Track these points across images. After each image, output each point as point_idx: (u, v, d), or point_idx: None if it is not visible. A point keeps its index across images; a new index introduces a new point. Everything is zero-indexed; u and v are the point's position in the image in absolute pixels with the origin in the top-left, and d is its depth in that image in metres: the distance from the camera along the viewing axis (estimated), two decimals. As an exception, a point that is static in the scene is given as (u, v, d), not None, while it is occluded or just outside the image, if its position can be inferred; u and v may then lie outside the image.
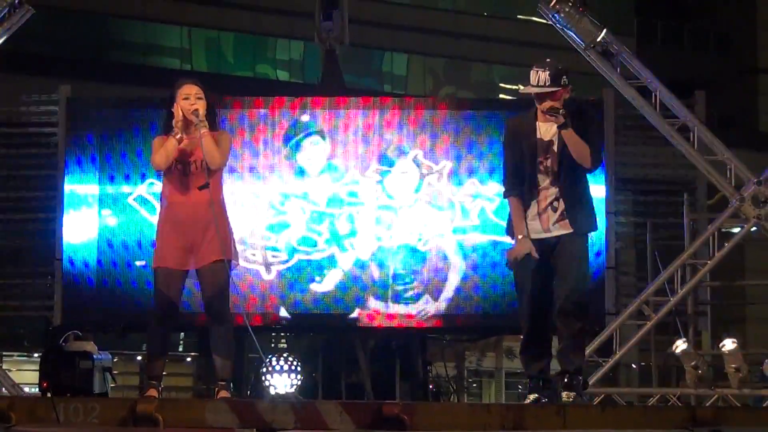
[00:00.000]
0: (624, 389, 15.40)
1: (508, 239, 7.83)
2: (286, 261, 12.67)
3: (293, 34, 28.64)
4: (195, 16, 29.62)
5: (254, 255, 12.62)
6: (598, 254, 12.36)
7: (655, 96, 12.80)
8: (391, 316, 12.65)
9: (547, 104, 7.42)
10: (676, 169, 13.40)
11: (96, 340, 10.35)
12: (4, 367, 17.22)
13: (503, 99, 28.88)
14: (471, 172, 12.72)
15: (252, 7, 29.64)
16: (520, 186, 7.52)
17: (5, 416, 6.38)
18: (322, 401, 9.26)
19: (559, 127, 7.40)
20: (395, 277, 12.65)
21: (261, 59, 31.17)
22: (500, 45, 32.02)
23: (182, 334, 24.10)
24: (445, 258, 12.67)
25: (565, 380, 7.40)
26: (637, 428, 6.71)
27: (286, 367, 11.61)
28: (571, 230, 7.45)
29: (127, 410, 6.50)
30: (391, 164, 12.77)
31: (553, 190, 7.47)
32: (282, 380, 11.53)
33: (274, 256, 12.65)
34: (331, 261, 12.67)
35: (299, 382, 11.65)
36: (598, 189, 11.26)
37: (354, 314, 12.65)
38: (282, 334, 15.62)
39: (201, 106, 7.54)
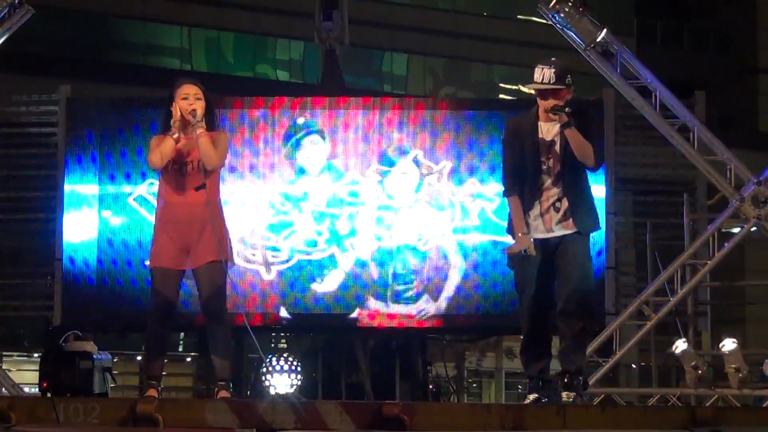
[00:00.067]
0: (624, 389, 15.40)
1: (509, 239, 7.83)
2: (286, 261, 12.67)
3: (293, 34, 28.63)
4: (195, 16, 29.61)
5: (254, 255, 12.63)
6: (598, 254, 12.35)
7: (655, 96, 12.80)
8: (391, 316, 12.65)
9: (551, 102, 7.41)
10: (676, 169, 13.40)
11: (96, 340, 10.35)
12: (4, 367, 17.23)
13: (503, 99, 28.93)
14: (471, 172, 12.72)
15: (252, 7, 29.63)
16: (519, 185, 7.51)
17: (5, 416, 6.38)
18: (322, 401, 9.26)
19: (563, 126, 7.39)
20: (395, 277, 12.65)
21: (261, 59, 31.17)
22: (500, 45, 32.02)
23: (182, 334, 24.15)
24: (445, 258, 12.67)
25: (566, 380, 7.40)
26: (637, 428, 6.71)
27: (286, 367, 11.61)
28: (575, 230, 7.46)
29: (127, 410, 6.50)
30: (391, 164, 12.77)
31: (555, 191, 7.47)
32: (282, 380, 11.53)
33: (274, 256, 12.65)
34: (332, 261, 12.67)
35: (299, 382, 11.65)
36: (598, 189, 11.24)
37: (354, 314, 12.65)
38: (282, 334, 15.61)
39: (199, 107, 7.54)
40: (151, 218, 11.96)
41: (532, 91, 7.54)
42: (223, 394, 7.44)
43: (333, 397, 12.22)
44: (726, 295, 14.71)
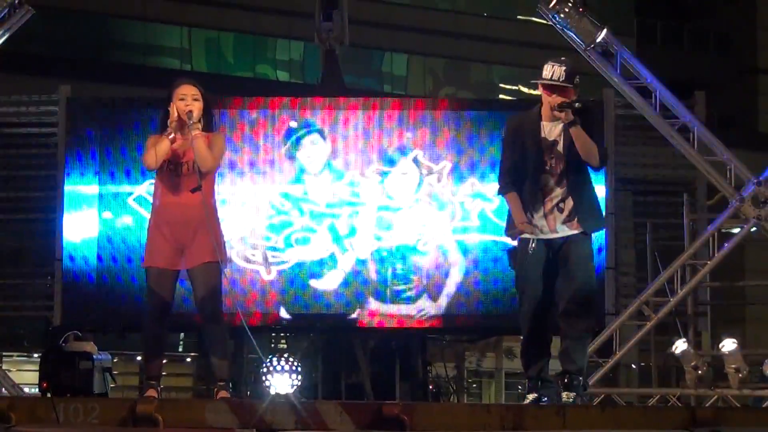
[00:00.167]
0: (624, 389, 15.38)
1: (509, 239, 7.82)
2: (286, 261, 12.67)
3: (293, 34, 28.64)
4: (195, 16, 29.62)
5: (254, 255, 12.63)
6: (599, 250, 12.34)
7: (655, 96, 12.80)
8: (390, 316, 12.65)
9: (558, 99, 7.41)
10: (676, 170, 13.40)
11: (96, 340, 10.35)
12: (4, 367, 17.23)
13: (503, 99, 28.92)
14: (471, 173, 12.72)
15: (252, 7, 29.63)
16: (518, 184, 7.50)
17: (5, 416, 6.38)
18: (322, 401, 9.25)
19: (569, 125, 7.38)
20: (395, 277, 12.65)
21: (261, 59, 31.17)
22: (500, 45, 32.02)
23: (182, 334, 24.13)
24: (445, 258, 12.67)
25: (566, 380, 7.40)
26: (637, 428, 6.70)
27: (286, 367, 11.61)
28: (580, 230, 7.45)
29: (127, 410, 6.50)
30: (391, 164, 12.77)
31: (559, 191, 7.46)
32: (282, 380, 11.53)
33: (274, 256, 12.65)
34: (331, 261, 12.67)
35: (299, 382, 11.65)
36: (598, 189, 11.16)
37: (354, 314, 12.65)
38: (282, 334, 15.62)
39: (196, 108, 7.53)
40: (151, 218, 12.03)
41: (538, 91, 7.53)
42: (223, 394, 7.43)
43: (333, 397, 12.23)
44: (726, 295, 14.71)
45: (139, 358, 21.41)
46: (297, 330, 13.60)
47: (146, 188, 12.49)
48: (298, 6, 22.40)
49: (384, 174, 12.75)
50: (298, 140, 12.75)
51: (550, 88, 7.44)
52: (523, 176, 7.50)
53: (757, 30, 35.78)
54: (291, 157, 12.74)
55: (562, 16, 12.63)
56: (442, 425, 6.59)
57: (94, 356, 9.84)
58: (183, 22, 29.88)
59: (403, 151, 12.78)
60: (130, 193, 12.60)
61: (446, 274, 12.67)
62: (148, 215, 12.13)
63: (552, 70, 7.43)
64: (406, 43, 31.66)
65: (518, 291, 7.62)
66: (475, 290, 12.65)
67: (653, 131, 12.89)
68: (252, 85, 26.26)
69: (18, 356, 24.97)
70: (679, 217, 13.18)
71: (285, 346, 16.46)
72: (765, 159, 15.07)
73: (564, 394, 7.38)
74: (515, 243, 7.62)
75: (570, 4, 12.57)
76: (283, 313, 12.66)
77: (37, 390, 10.68)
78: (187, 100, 7.54)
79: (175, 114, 7.53)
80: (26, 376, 19.30)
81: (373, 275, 12.66)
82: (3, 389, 12.54)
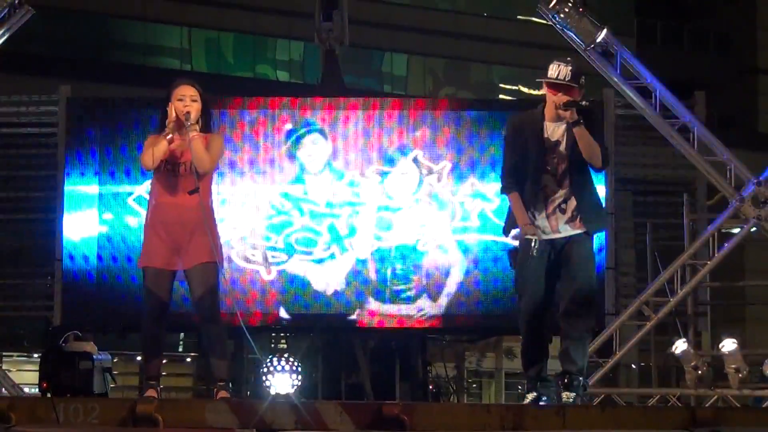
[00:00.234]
0: (624, 389, 15.40)
1: (508, 239, 7.82)
2: (286, 261, 12.67)
3: (293, 34, 28.65)
4: (195, 17, 29.63)
5: (254, 255, 12.63)
6: (599, 250, 12.34)
7: (655, 96, 12.80)
8: (390, 316, 12.65)
9: (563, 98, 7.41)
10: (676, 170, 13.40)
11: (96, 340, 10.35)
12: (4, 367, 17.23)
13: (503, 99, 28.94)
14: (471, 173, 12.72)
15: (252, 7, 29.64)
16: (520, 183, 7.50)
17: (5, 416, 6.38)
18: (322, 401, 9.25)
19: (572, 125, 7.38)
20: (395, 276, 12.65)
21: (261, 59, 31.18)
22: (500, 45, 32.04)
23: (182, 334, 24.13)
24: (445, 257, 12.67)
25: (566, 380, 7.39)
26: (637, 428, 6.70)
27: (286, 368, 11.59)
28: (583, 230, 7.45)
29: (127, 411, 6.51)
30: (391, 164, 12.77)
31: (561, 192, 7.45)
32: (282, 380, 11.52)
33: (274, 256, 12.65)
34: (331, 261, 12.66)
35: (299, 383, 11.64)
36: (598, 189, 11.22)
37: (354, 314, 12.65)
38: (282, 334, 15.62)
39: (194, 109, 7.51)
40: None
41: (542, 90, 7.51)
42: (223, 394, 7.43)
43: (333, 397, 12.23)
44: (726, 295, 14.70)
45: (139, 358, 21.40)
46: (297, 330, 13.59)
47: (146, 188, 12.39)
48: (298, 6, 22.40)
49: (384, 174, 12.75)
50: (299, 140, 12.75)
51: (556, 87, 7.43)
52: (524, 176, 7.49)
53: (757, 30, 35.80)
54: (291, 157, 12.74)
55: (562, 16, 12.63)
56: (442, 425, 6.59)
57: (94, 356, 9.84)
58: (183, 22, 29.89)
59: (403, 151, 12.78)
60: (130, 193, 12.60)
61: (446, 274, 12.67)
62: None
63: (558, 70, 7.42)
64: (406, 43, 31.68)
65: (518, 291, 7.62)
66: (475, 290, 12.65)
67: (653, 131, 12.89)
68: (252, 85, 26.27)
69: (18, 356, 24.99)
70: (679, 217, 13.17)
71: (285, 346, 16.46)
72: (765, 159, 15.07)
73: (564, 395, 7.37)
74: (515, 243, 7.61)
75: (570, 4, 12.57)
76: (283, 313, 12.66)
77: (37, 390, 10.68)
78: (186, 100, 7.52)
79: (173, 114, 7.52)
80: (26, 376, 19.30)
81: (373, 275, 12.66)
82: (3, 389, 12.54)
